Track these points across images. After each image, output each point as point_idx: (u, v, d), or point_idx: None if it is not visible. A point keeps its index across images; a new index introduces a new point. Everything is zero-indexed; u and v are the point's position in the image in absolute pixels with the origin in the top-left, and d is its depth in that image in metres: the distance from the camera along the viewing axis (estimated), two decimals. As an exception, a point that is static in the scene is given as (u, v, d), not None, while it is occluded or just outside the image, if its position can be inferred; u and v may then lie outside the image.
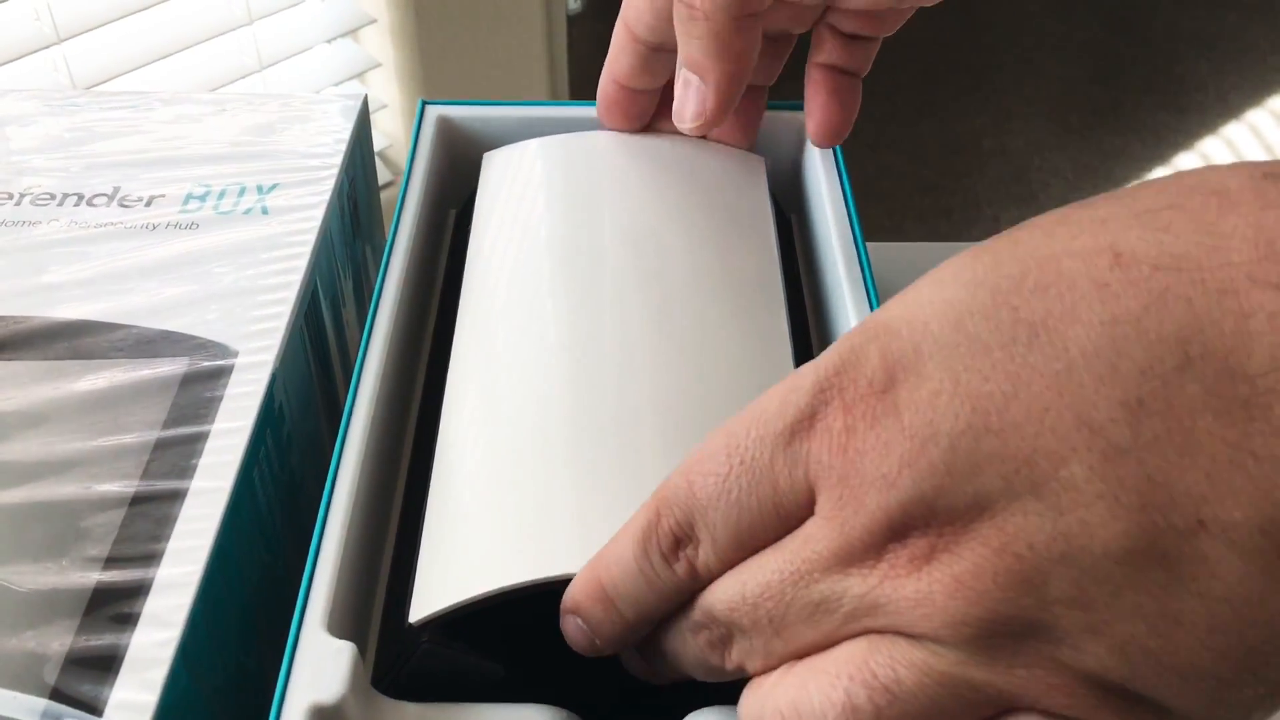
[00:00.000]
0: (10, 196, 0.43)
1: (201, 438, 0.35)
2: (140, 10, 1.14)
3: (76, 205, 0.42)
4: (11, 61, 1.07)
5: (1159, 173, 1.95)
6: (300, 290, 0.40)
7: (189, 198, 0.43)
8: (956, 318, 0.23)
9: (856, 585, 0.24)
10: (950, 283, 0.24)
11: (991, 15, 2.28)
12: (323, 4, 1.31)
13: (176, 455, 0.34)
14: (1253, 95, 2.10)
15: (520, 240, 0.41)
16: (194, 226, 0.42)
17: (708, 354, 0.36)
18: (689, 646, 0.28)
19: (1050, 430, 0.22)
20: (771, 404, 0.25)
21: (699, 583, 0.27)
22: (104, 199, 0.43)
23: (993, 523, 0.22)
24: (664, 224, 0.40)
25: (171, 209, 0.42)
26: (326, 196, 0.43)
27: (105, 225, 0.42)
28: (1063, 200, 1.69)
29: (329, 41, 1.31)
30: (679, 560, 0.27)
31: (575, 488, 0.32)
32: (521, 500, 0.32)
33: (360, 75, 1.33)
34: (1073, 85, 2.14)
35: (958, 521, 0.23)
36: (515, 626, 0.31)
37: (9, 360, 0.37)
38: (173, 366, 0.37)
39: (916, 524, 0.23)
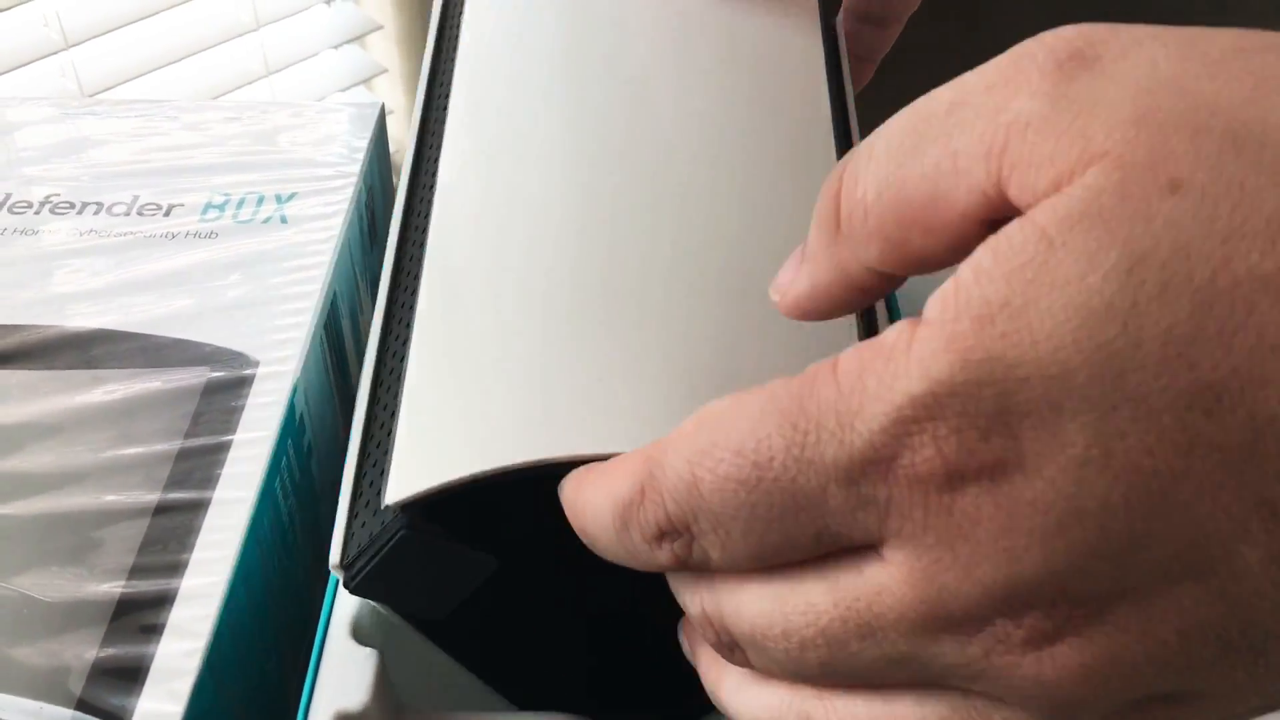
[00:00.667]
0: (29, 205, 0.43)
1: (224, 448, 0.35)
2: (148, 16, 1.14)
3: (96, 214, 0.42)
4: (20, 67, 1.07)
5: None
6: (320, 299, 0.40)
7: (208, 207, 0.43)
8: (1117, 372, 0.18)
9: (951, 653, 0.21)
10: (1101, 313, 0.18)
11: (996, 20, 2.28)
12: (329, 10, 1.31)
13: (199, 465, 0.34)
14: (1257, 101, 2.10)
15: (521, 48, 0.36)
16: (213, 235, 0.42)
17: (740, 194, 0.31)
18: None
19: (1224, 511, 0.18)
20: (825, 419, 0.20)
21: (691, 568, 0.24)
22: (123, 208, 0.43)
23: (1136, 606, 0.19)
24: (695, 36, 0.36)
25: (191, 218, 0.42)
26: (345, 205, 0.43)
27: (125, 234, 0.42)
28: None
29: (335, 48, 1.31)
30: (664, 548, 0.23)
31: (582, 348, 0.28)
32: (519, 363, 0.28)
33: (367, 81, 1.34)
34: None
35: (1091, 603, 0.20)
36: (509, 512, 0.27)
37: (29, 369, 0.37)
38: (194, 376, 0.37)
39: (1039, 603, 0.20)
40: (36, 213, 0.42)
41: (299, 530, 0.38)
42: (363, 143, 0.46)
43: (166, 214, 0.43)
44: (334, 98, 1.32)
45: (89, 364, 0.37)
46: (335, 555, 0.27)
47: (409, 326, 0.30)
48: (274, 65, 1.27)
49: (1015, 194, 0.20)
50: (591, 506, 0.24)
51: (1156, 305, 0.18)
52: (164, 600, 0.31)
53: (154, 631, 0.31)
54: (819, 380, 0.21)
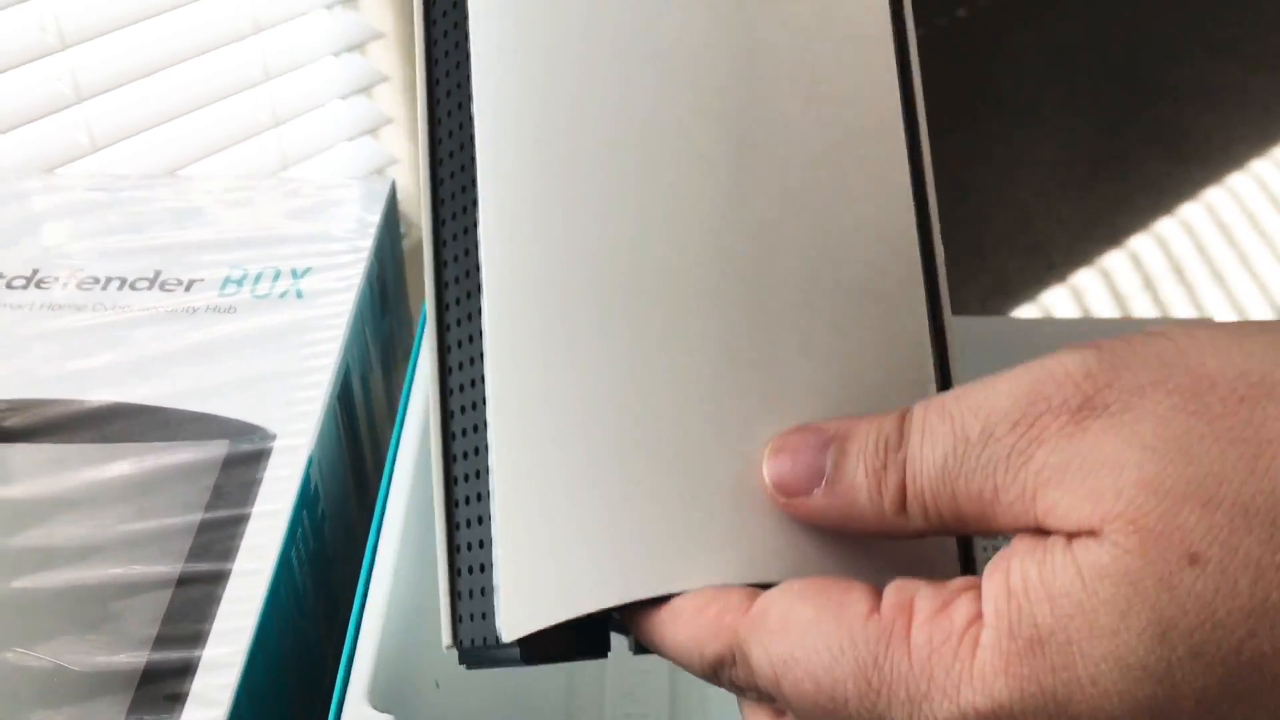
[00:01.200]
0: (56, 280, 0.45)
1: (242, 520, 0.36)
2: (148, 18, 1.16)
3: (120, 289, 0.44)
4: (34, 121, 1.09)
5: (1163, 223, 1.97)
6: (334, 373, 0.41)
7: (227, 281, 0.45)
8: None
9: None
10: (1138, 671, 0.22)
11: (996, 67, 2.31)
12: (330, 16, 1.33)
13: (219, 537, 0.36)
14: (1256, 145, 2.12)
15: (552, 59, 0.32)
16: (232, 310, 0.43)
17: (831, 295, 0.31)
18: None
19: None
20: (896, 689, 0.24)
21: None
22: (145, 283, 0.44)
23: None
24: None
25: (210, 293, 0.44)
26: (358, 280, 0.45)
27: (147, 309, 0.43)
28: (1068, 251, 1.67)
29: (343, 98, 1.33)
30: (748, 694, 0.27)
31: (672, 478, 0.29)
32: (612, 491, 0.29)
33: (373, 131, 1.36)
34: (1076, 136, 2.17)
35: None
36: (607, 625, 0.30)
37: (53, 444, 0.39)
38: (214, 450, 0.38)
39: None
40: (63, 287, 0.44)
41: (312, 595, 0.39)
42: (374, 218, 0.48)
43: (187, 289, 0.44)
44: (343, 148, 1.34)
45: (112, 438, 0.38)
46: (446, 637, 0.30)
47: (481, 410, 0.30)
48: (273, 71, 1.29)
49: (1051, 528, 0.23)
50: (680, 649, 0.27)
51: (1189, 670, 0.21)
52: (186, 669, 0.33)
53: (177, 700, 0.32)
54: (894, 642, 0.24)
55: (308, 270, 0.45)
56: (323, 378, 0.41)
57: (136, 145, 1.16)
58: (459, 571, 0.30)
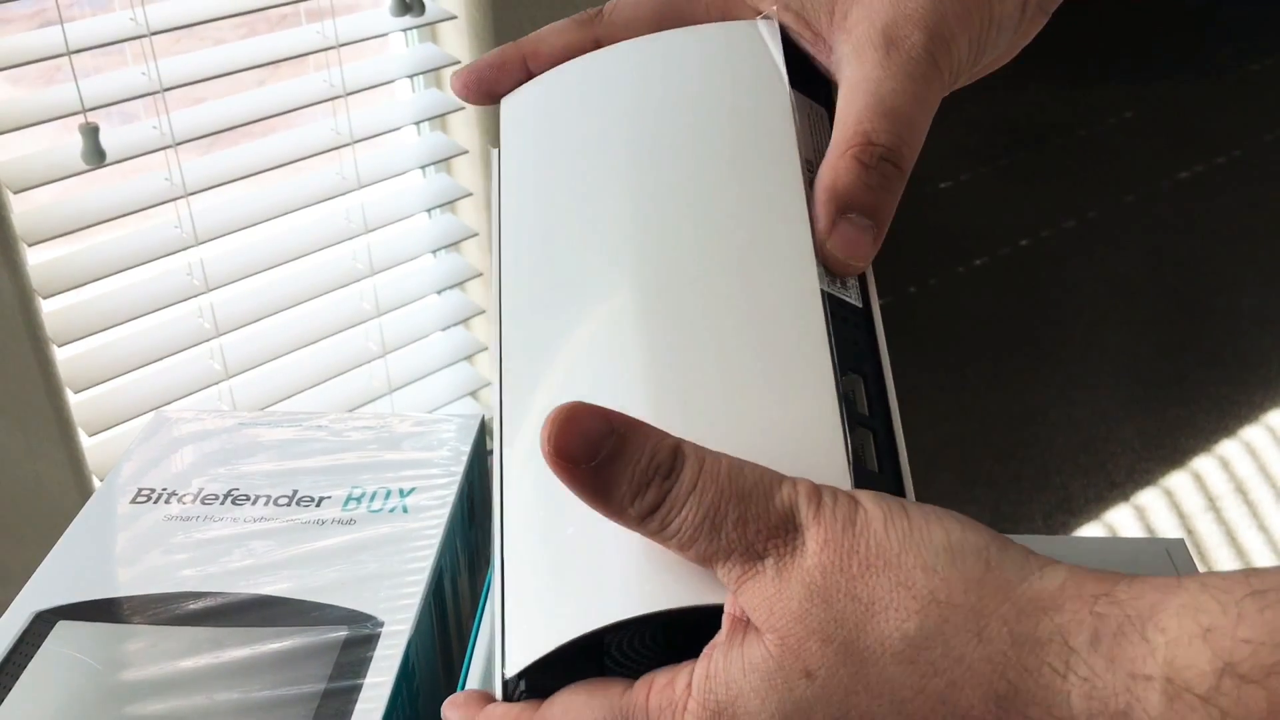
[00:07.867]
0: (216, 497, 0.56)
1: (356, 689, 0.47)
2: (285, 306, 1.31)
3: (265, 505, 0.56)
4: (192, 394, 1.25)
5: (1225, 444, 2.03)
6: (430, 574, 0.52)
7: (349, 499, 0.56)
8: None
9: None
10: None
11: (1058, 293, 2.41)
12: (439, 298, 1.48)
13: (338, 702, 0.46)
14: (1315, 369, 2.18)
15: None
16: (352, 522, 0.55)
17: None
18: None
19: None
20: None
21: None
22: (285, 499, 0.56)
23: None
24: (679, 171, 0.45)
25: (335, 509, 0.56)
26: (451, 498, 0.56)
27: (288, 521, 0.55)
28: (1130, 471, 1.72)
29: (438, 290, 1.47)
30: None
31: (589, 550, 0.38)
32: (578, 554, 0.38)
33: (466, 321, 1.50)
34: (1137, 359, 2.24)
35: None
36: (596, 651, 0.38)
37: (218, 627, 0.50)
38: (336, 633, 0.49)
39: None
40: (221, 503, 0.56)
41: (407, 754, 0.49)
42: (466, 447, 0.59)
43: (318, 505, 0.56)
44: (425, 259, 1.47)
45: (261, 622, 0.49)
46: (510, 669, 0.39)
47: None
48: (372, 224, 1.43)
49: (744, 610, 0.34)
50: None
51: None
52: (311, 800, 0.43)
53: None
54: (635, 707, 0.35)
55: (413, 489, 0.57)
56: (421, 577, 0.52)
57: (263, 372, 1.31)
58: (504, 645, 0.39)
